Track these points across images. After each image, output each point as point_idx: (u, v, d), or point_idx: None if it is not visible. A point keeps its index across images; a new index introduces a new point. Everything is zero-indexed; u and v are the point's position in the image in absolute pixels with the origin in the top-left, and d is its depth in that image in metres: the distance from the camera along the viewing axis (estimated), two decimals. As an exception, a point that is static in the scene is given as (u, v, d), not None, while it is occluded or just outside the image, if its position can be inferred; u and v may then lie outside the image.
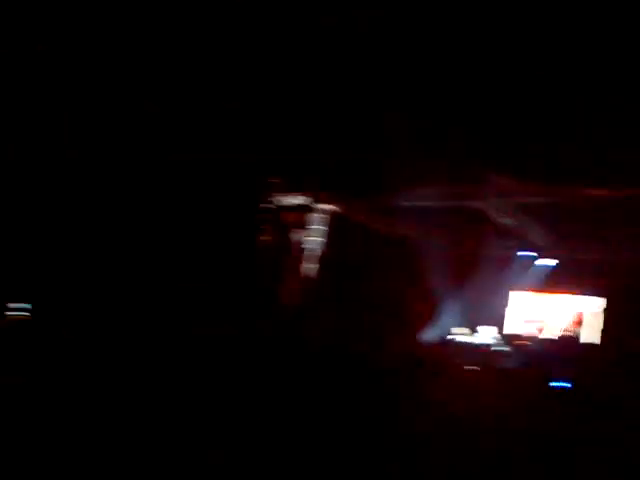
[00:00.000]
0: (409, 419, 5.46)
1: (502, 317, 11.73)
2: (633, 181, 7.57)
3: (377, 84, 6.54)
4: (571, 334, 11.01)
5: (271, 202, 8.91)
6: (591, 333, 10.85)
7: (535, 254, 11.13)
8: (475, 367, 9.23)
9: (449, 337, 10.85)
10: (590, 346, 10.48)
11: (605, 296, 10.68)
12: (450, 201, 8.75)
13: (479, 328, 11.00)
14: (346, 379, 6.83)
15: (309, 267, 9.67)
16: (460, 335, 10.83)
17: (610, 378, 8.31)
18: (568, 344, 10.44)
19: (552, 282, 11.18)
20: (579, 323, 11.08)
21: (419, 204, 8.75)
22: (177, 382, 5.51)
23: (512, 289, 11.68)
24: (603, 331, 10.54)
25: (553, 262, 11.08)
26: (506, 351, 10.56)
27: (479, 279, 10.72)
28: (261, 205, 8.88)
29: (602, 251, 9.44)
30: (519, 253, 11.20)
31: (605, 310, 10.68)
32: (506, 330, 11.64)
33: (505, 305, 11.76)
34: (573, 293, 11.17)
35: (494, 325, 11.28)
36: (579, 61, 6.14)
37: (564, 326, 11.22)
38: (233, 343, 7.51)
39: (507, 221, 9.48)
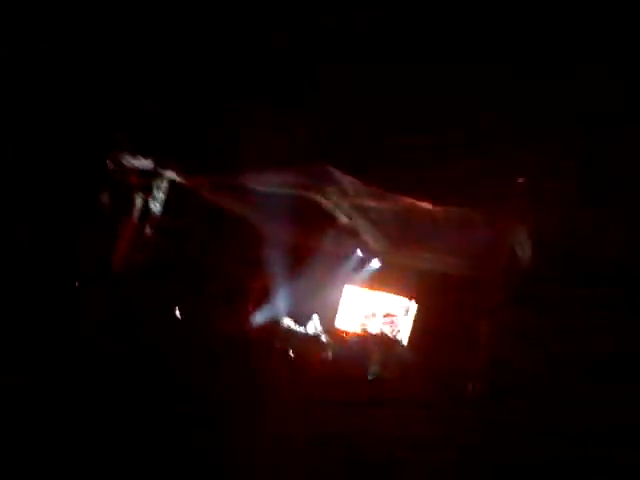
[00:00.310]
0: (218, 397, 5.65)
1: (334, 309, 12.33)
2: (462, 198, 8.31)
3: (225, 69, 6.66)
4: (387, 332, 11.84)
5: (117, 161, 8.65)
6: (403, 333, 11.79)
7: (367, 254, 11.83)
8: (297, 353, 9.68)
9: (281, 323, 11.21)
10: (399, 344, 11.36)
11: (416, 300, 11.64)
12: (293, 191, 9.02)
13: (312, 317, 11.47)
14: (167, 353, 6.86)
15: (146, 234, 9.54)
16: (292, 322, 11.23)
17: (408, 373, 9.15)
18: (381, 341, 11.21)
19: (378, 282, 11.96)
20: (395, 322, 11.94)
21: (264, 189, 8.95)
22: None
23: (345, 284, 12.32)
24: (410, 332, 11.48)
25: (380, 263, 11.85)
26: (331, 342, 11.14)
27: (315, 271, 11.20)
28: (105, 164, 8.59)
29: (422, 259, 10.24)
30: (354, 251, 11.84)
31: (415, 313, 11.64)
32: (336, 322, 12.27)
33: (337, 298, 12.37)
34: (394, 294, 12.01)
35: (325, 316, 11.82)
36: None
37: (382, 324, 12.05)
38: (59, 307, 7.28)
39: (345, 219, 9.96)
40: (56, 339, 6.01)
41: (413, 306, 11.75)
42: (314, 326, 11.44)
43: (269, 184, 8.92)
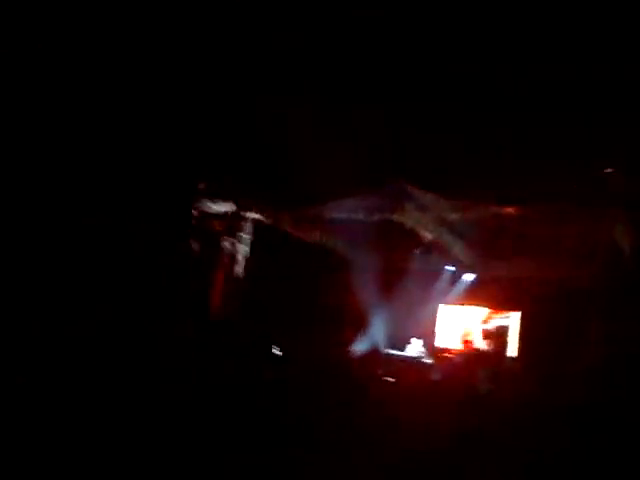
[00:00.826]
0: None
1: (433, 329, 12.07)
2: (548, 200, 7.99)
3: (296, 99, 6.76)
4: (493, 347, 11.41)
5: (200, 209, 8.97)
6: (511, 346, 11.31)
7: (459, 269, 11.53)
8: (400, 378, 9.50)
9: (380, 348, 11.11)
10: (508, 358, 10.91)
11: (519, 310, 11.16)
12: (375, 215, 8.98)
13: (412, 340, 11.29)
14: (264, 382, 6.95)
15: (237, 275, 9.77)
16: (392, 347, 11.12)
17: (523, 387, 8.71)
18: (487, 356, 10.81)
19: (475, 296, 11.60)
20: (499, 336, 11.51)
21: (343, 217, 8.97)
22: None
23: (440, 302, 12.06)
24: (519, 344, 10.99)
25: (474, 277, 11.51)
26: (434, 364, 10.89)
27: (408, 292, 11.03)
28: (191, 211, 8.90)
29: (519, 267, 9.83)
30: (445, 267, 11.59)
31: (520, 324, 11.15)
32: (437, 342, 12.00)
33: (434, 318, 12.11)
34: (494, 306, 11.60)
35: (426, 337, 11.60)
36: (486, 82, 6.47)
37: (486, 339, 11.64)
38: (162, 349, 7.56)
39: (430, 236, 9.78)
40: (160, 383, 6.18)
41: (516, 316, 11.29)
42: (415, 349, 11.25)
43: (348, 211, 8.95)
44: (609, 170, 7.49)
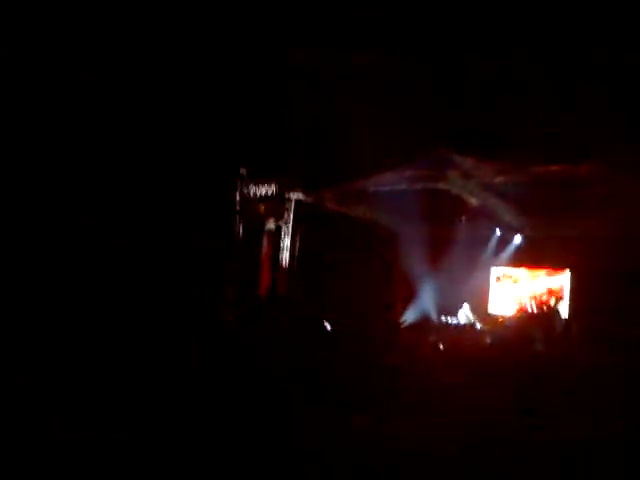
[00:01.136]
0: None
1: (485, 294, 12.00)
2: (592, 158, 7.78)
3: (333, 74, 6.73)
4: (545, 308, 11.28)
5: (242, 192, 9.05)
6: (564, 306, 11.16)
7: (507, 232, 11.40)
8: (451, 345, 9.49)
9: (431, 317, 11.13)
10: (559, 318, 10.75)
11: (570, 269, 10.96)
12: (418, 184, 8.92)
13: (463, 306, 11.26)
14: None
15: (284, 255, 9.87)
16: (443, 315, 11.12)
17: (574, 347, 8.60)
18: (540, 317, 10.69)
19: (525, 258, 11.45)
20: (552, 296, 11.36)
21: (387, 189, 8.93)
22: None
23: (491, 266, 11.95)
24: (570, 305, 10.84)
25: (522, 239, 11.36)
26: (486, 328, 10.85)
27: (458, 259, 10.96)
28: (232, 195, 8.99)
29: (568, 227, 9.62)
30: (493, 231, 11.46)
31: (571, 284, 10.97)
32: (489, 306, 11.94)
33: (486, 282, 12.03)
34: (545, 267, 11.43)
35: (477, 302, 11.55)
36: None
37: (539, 301, 11.51)
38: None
39: (475, 201, 9.67)
40: (214, 365, 6.30)
41: (567, 276, 11.11)
42: (465, 315, 11.21)
43: (391, 183, 8.91)
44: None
